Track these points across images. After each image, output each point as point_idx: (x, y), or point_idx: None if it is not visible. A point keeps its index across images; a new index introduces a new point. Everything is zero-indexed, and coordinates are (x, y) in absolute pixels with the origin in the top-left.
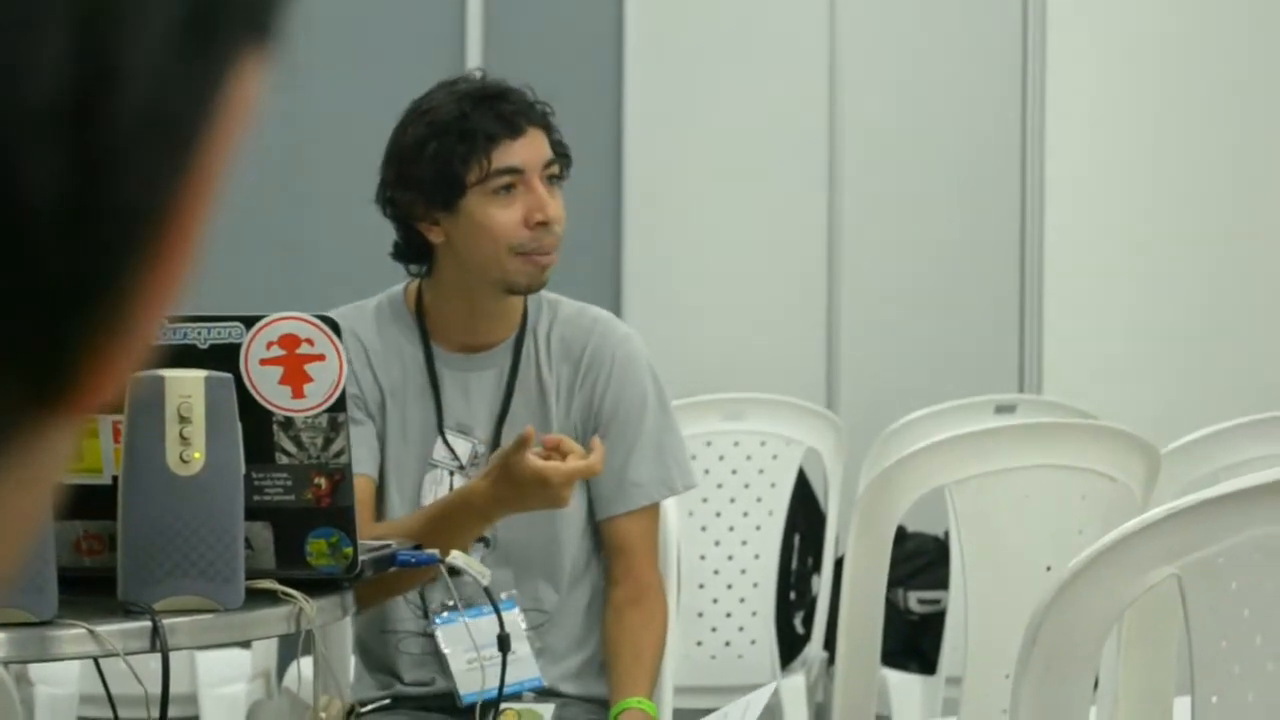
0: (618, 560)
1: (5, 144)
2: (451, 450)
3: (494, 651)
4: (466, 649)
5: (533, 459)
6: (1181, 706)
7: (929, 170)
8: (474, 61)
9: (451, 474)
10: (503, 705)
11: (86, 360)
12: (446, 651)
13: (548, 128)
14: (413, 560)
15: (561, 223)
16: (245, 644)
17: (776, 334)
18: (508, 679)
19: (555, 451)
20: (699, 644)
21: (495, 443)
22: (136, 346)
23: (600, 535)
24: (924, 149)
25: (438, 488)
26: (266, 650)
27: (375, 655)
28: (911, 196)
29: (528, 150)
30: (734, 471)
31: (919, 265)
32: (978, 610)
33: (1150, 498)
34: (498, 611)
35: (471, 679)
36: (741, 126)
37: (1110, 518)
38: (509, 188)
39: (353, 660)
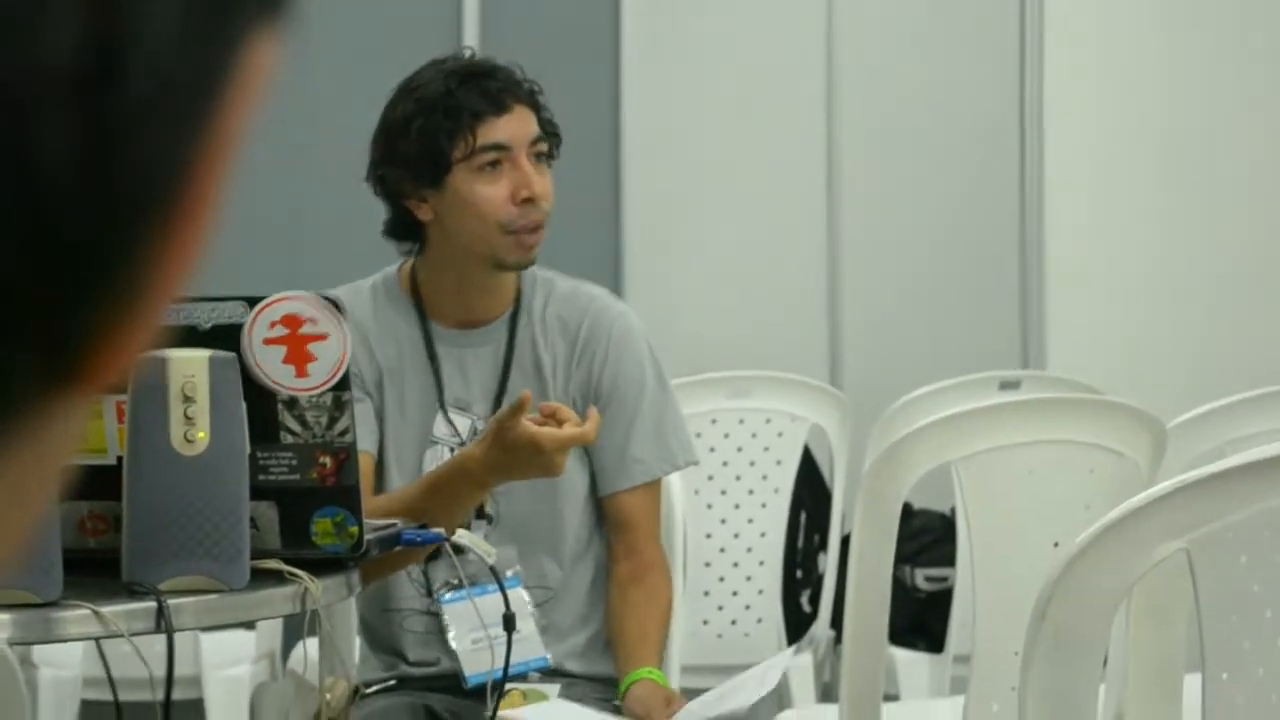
0: (620, 536)
1: (18, 111)
2: (452, 426)
3: (499, 630)
4: (471, 628)
5: (527, 424)
6: (1191, 683)
7: (930, 145)
8: (470, 43)
9: (452, 450)
10: (508, 685)
11: (98, 337)
12: (451, 631)
13: (536, 105)
14: (419, 539)
15: (549, 199)
16: (250, 625)
17: (779, 311)
18: (513, 659)
19: (551, 419)
20: (705, 623)
21: None
22: (148, 324)
23: (602, 512)
24: (924, 124)
25: (438, 464)
26: (271, 632)
27: (379, 635)
28: (913, 172)
29: (514, 127)
30: (739, 449)
31: (921, 241)
32: (985, 587)
33: (1157, 472)
34: (503, 590)
35: (476, 659)
36: (740, 103)
37: (1117, 493)
38: (495, 164)
39: (358, 641)
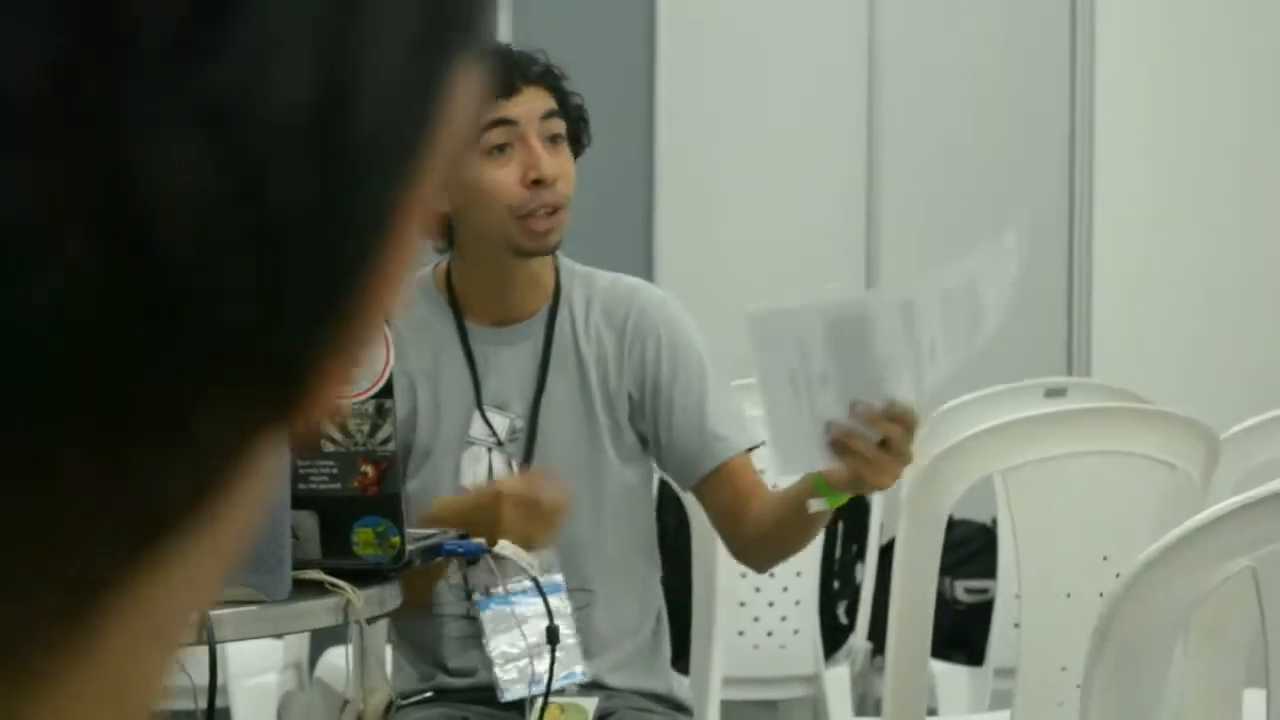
0: (735, 499)
1: (255, 158)
2: (489, 426)
3: (538, 640)
4: (511, 635)
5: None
6: (1251, 699)
7: (972, 145)
8: (502, 34)
9: (489, 450)
10: (542, 700)
11: (317, 374)
12: (488, 640)
13: (552, 87)
14: (460, 550)
15: (567, 181)
16: (277, 634)
17: None
18: (548, 671)
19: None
20: (741, 634)
21: (533, 416)
22: (359, 355)
23: (702, 500)
24: (967, 124)
25: (476, 465)
26: (298, 640)
27: (417, 641)
28: (953, 174)
29: (522, 106)
30: None
31: (963, 242)
32: (1032, 602)
33: (1210, 485)
34: (547, 604)
35: (513, 670)
36: (777, 99)
37: (1170, 506)
38: (503, 147)
39: (390, 651)
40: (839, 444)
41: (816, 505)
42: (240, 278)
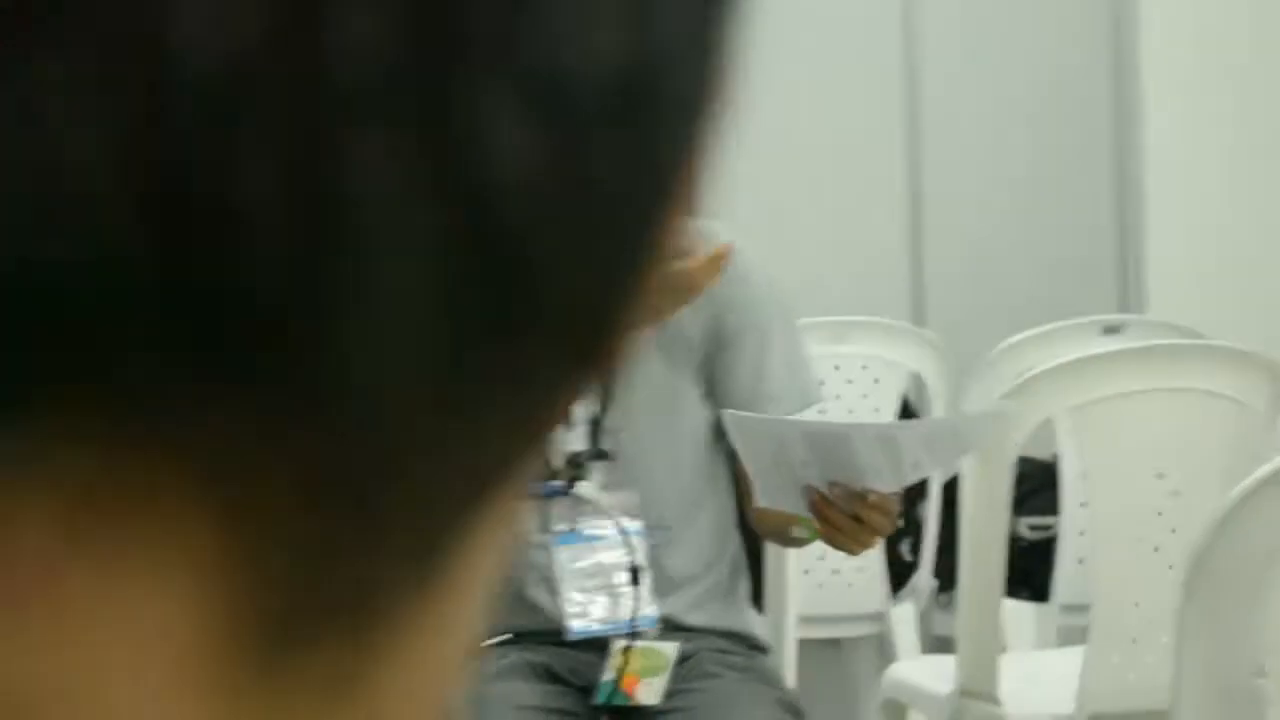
0: None
1: (576, 124)
2: None
3: (611, 580)
4: (585, 573)
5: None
6: None
7: (1017, 75)
8: None
9: None
10: (623, 643)
11: (621, 327)
12: (562, 575)
13: None
14: (541, 493)
15: None
16: None
17: (860, 254)
18: (624, 614)
19: None
20: (806, 573)
21: None
22: (645, 308)
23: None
24: (1011, 52)
25: None
26: None
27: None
28: (999, 102)
29: None
30: (837, 396)
31: (1008, 176)
32: (1103, 540)
33: (1277, 421)
34: (630, 546)
35: (584, 609)
36: (815, 46)
37: (1238, 442)
38: None
39: None
40: (815, 507)
41: (797, 532)
42: (567, 242)
